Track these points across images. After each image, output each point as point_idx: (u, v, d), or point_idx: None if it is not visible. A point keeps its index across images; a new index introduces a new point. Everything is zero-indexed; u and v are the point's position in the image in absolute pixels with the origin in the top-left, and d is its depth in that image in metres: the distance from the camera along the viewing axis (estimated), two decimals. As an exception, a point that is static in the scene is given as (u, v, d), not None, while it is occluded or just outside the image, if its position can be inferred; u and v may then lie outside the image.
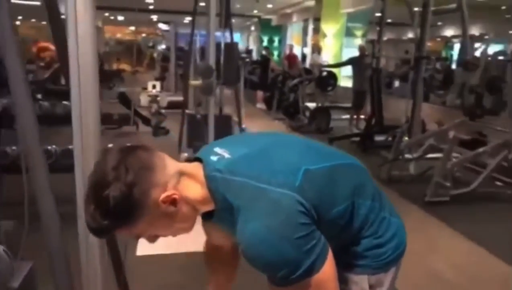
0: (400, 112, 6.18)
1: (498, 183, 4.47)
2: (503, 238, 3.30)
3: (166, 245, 2.82)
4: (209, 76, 3.48)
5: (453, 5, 5.39)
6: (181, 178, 0.93)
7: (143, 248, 2.93)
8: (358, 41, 12.15)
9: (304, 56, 14.83)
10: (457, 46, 18.85)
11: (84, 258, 1.46)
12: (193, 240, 3.00)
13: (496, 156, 4.14)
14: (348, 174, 1.02)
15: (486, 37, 13.14)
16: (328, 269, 0.89)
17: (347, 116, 7.82)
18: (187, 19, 19.65)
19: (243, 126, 4.43)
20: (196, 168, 0.96)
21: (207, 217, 0.99)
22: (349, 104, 7.75)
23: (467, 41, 5.32)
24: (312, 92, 8.52)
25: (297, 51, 16.50)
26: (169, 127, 6.72)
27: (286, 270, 0.86)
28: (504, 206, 4.05)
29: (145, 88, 8.96)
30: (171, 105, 8.06)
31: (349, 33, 12.59)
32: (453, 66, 12.07)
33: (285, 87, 8.75)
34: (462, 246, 3.21)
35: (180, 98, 9.26)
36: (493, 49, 12.16)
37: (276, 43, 19.44)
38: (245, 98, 6.67)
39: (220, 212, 0.95)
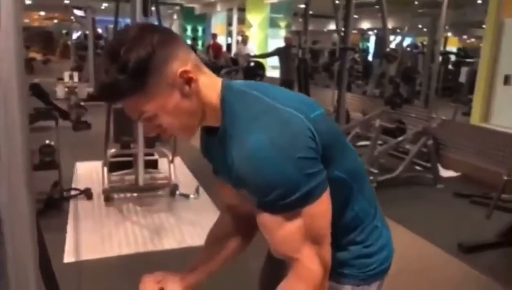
0: (327, 102, 6.37)
1: (418, 168, 4.78)
2: (427, 220, 3.53)
3: (96, 249, 2.66)
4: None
5: (373, -1, 5.65)
6: (199, 71, 0.88)
7: (70, 255, 2.70)
8: (282, 32, 12.33)
9: (229, 46, 14.73)
10: (372, 39, 19.95)
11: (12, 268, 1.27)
12: (121, 242, 2.83)
13: (416, 143, 4.41)
14: (351, 152, 0.98)
15: (401, 30, 14.03)
16: (324, 203, 0.83)
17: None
18: (104, 4, 18.60)
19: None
20: (214, 77, 0.92)
21: (209, 136, 0.95)
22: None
23: (387, 34, 5.59)
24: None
25: (221, 40, 16.37)
26: (90, 121, 6.31)
27: (281, 191, 0.79)
28: (424, 189, 4.34)
29: (61, 79, 8.33)
30: (92, 97, 7.58)
31: (273, 24, 12.72)
32: (369, 57, 12.74)
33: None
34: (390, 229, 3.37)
35: (100, 89, 8.80)
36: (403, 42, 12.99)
37: (200, 33, 19.10)
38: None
39: (223, 131, 0.89)
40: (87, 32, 10.83)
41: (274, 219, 0.83)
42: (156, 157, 4.16)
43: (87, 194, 3.58)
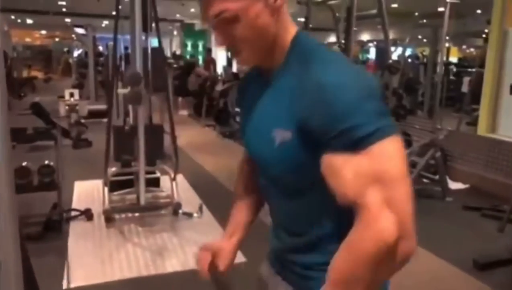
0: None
1: (425, 180, 4.68)
2: (438, 235, 3.41)
3: (101, 273, 2.56)
4: (137, 84, 3.21)
5: (374, 11, 5.60)
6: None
7: (70, 280, 2.60)
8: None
9: (229, 61, 14.74)
10: (372, 50, 20.01)
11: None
12: (123, 266, 2.73)
13: (423, 155, 4.32)
14: None
15: (401, 41, 14.07)
16: (397, 143, 0.75)
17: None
18: (105, 22, 18.74)
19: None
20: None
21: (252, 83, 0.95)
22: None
23: (389, 45, 5.54)
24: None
25: (221, 56, 16.41)
26: (91, 138, 6.25)
27: (353, 122, 0.73)
28: (433, 202, 4.23)
29: (62, 97, 8.29)
30: (92, 114, 7.53)
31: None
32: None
33: (214, 93, 8.59)
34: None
35: (101, 106, 8.75)
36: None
37: (200, 48, 19.16)
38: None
39: (284, 69, 0.86)
40: (88, 50, 10.86)
41: (341, 158, 0.73)
42: (157, 174, 4.07)
43: (87, 214, 3.49)
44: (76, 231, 3.28)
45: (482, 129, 4.81)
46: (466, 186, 4.57)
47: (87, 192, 4.10)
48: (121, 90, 3.52)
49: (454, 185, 4.55)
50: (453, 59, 14.58)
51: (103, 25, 19.03)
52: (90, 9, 14.65)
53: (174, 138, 3.57)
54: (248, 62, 0.90)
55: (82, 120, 6.97)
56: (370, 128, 0.73)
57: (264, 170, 0.93)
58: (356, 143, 0.73)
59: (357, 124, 0.74)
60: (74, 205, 3.73)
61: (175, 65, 9.09)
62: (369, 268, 0.71)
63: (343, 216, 0.78)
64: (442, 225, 3.66)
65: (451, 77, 11.04)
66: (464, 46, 19.93)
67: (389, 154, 0.74)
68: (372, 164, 0.72)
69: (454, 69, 11.89)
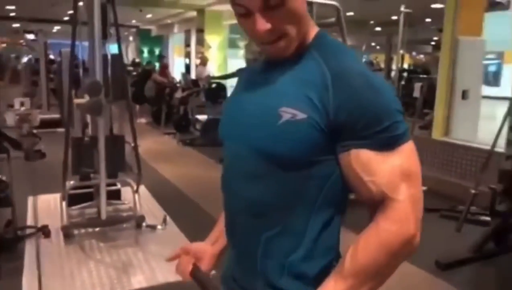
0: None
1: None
2: (422, 247, 3.50)
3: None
4: (97, 93, 3.09)
5: (333, 19, 5.73)
6: None
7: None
8: (242, 53, 12.37)
9: (187, 67, 14.61)
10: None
11: None
12: (85, 285, 2.60)
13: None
14: None
15: (360, 49, 14.49)
16: (414, 145, 0.81)
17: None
18: (56, 28, 18.05)
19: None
20: None
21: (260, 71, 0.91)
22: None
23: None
24: (201, 105, 8.35)
25: (178, 62, 16.24)
26: (45, 150, 5.96)
27: (390, 122, 0.76)
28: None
29: (11, 106, 7.88)
30: (45, 124, 7.22)
31: (232, 44, 12.76)
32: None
33: (173, 100, 8.46)
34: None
35: (54, 115, 8.39)
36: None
37: (157, 54, 18.87)
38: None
39: (312, 53, 0.84)
40: (39, 56, 10.40)
41: (377, 156, 0.77)
42: (118, 186, 3.93)
43: (45, 231, 3.30)
44: (32, 249, 3.10)
45: (436, 133, 5.00)
46: (424, 188, 4.68)
47: (43, 207, 3.89)
48: (79, 100, 3.37)
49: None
50: (404, 65, 15.19)
51: (54, 30, 18.34)
52: (41, 14, 14.08)
53: (136, 149, 3.46)
54: (285, 50, 0.83)
55: (35, 131, 6.65)
56: (404, 126, 0.79)
57: (255, 153, 0.84)
58: (393, 141, 0.77)
59: (397, 121, 0.77)
60: (30, 221, 3.53)
61: (134, 73, 8.87)
62: (390, 263, 0.76)
63: (322, 208, 0.82)
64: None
65: (403, 82, 11.48)
66: (414, 53, 20.82)
67: (415, 155, 0.80)
68: (405, 162, 0.77)
69: (405, 75, 12.39)
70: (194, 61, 13.65)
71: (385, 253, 0.75)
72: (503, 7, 14.02)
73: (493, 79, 18.94)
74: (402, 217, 0.76)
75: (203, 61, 10.30)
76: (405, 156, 0.78)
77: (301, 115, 0.78)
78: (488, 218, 3.51)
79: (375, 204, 0.79)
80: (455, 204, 4.05)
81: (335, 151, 0.80)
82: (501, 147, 3.45)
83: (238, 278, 0.95)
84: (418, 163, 0.80)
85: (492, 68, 19.17)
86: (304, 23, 0.83)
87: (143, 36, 18.61)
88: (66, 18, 15.01)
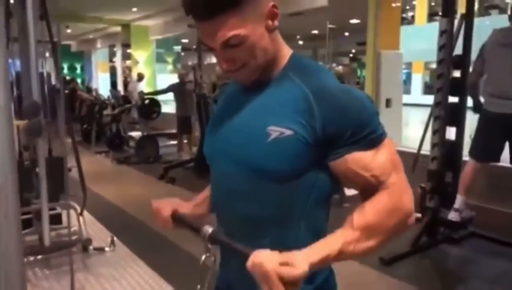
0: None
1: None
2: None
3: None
4: (36, 114, 2.94)
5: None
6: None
7: None
8: (170, 67, 12.28)
9: (113, 84, 14.16)
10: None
11: None
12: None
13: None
14: None
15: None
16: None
17: (174, 142, 7.74)
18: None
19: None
20: None
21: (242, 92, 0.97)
22: (174, 130, 7.70)
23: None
24: (133, 121, 8.17)
25: (103, 78, 15.68)
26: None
27: (374, 124, 0.88)
28: (333, 209, 4.58)
29: None
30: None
31: (160, 59, 12.62)
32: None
33: (103, 118, 8.18)
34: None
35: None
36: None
37: (78, 70, 18.06)
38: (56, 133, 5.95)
39: (288, 74, 0.92)
40: None
41: (368, 154, 0.88)
42: (59, 210, 3.74)
43: (-20, 264, 3.05)
44: (-32, 285, 2.85)
45: (366, 139, 5.39)
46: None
47: (-27, 239, 3.58)
48: (18, 122, 3.18)
49: (349, 192, 5.00)
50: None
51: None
52: None
53: (80, 170, 3.34)
54: (248, 78, 0.93)
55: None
56: (382, 128, 0.91)
57: (245, 171, 0.90)
58: (377, 139, 0.89)
59: (377, 123, 0.90)
60: (-40, 255, 3.23)
61: (66, 91, 8.43)
62: (395, 225, 0.87)
63: (310, 214, 0.92)
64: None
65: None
66: (334, 64, 22.05)
67: (393, 146, 0.94)
68: (389, 154, 0.91)
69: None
70: (121, 77, 13.30)
71: (390, 215, 0.86)
72: (408, 21, 15.37)
73: (404, 87, 20.64)
74: (401, 191, 0.89)
75: (140, 77, 10.14)
76: (389, 149, 0.91)
77: (288, 132, 0.86)
78: (419, 215, 3.86)
79: (373, 190, 0.90)
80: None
81: (321, 159, 0.89)
82: (426, 150, 3.82)
83: (234, 287, 1.00)
84: (397, 154, 0.95)
85: (402, 78, 20.89)
86: (269, 53, 0.91)
87: (63, 52, 17.69)
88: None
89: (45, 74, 3.40)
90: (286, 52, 0.95)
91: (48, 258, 3.24)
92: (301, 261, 0.75)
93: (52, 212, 3.50)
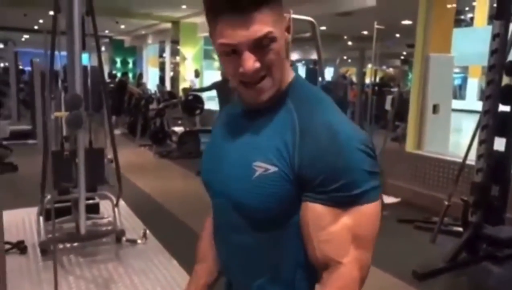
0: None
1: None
2: (377, 248, 3.58)
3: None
4: (77, 106, 3.06)
5: (308, 34, 5.87)
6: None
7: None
8: (217, 64, 12.42)
9: (161, 79, 14.53)
10: (300, 70, 20.82)
11: None
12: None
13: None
14: None
15: (334, 62, 14.79)
16: (378, 208, 0.79)
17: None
18: (25, 36, 17.62)
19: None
20: None
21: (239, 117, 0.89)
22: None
23: (322, 67, 5.80)
24: (177, 117, 8.32)
25: (152, 73, 16.14)
26: (16, 162, 5.80)
27: (349, 179, 0.75)
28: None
29: (-21, 117, 7.64)
30: (14, 135, 7.02)
31: (207, 56, 12.80)
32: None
33: (149, 112, 8.40)
34: None
35: (24, 126, 8.17)
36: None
37: (130, 65, 18.70)
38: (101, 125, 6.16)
39: (286, 102, 0.84)
40: (7, 65, 10.13)
41: (329, 213, 0.77)
42: (97, 200, 3.87)
43: (20, 247, 3.21)
44: (8, 266, 3.01)
45: (410, 146, 5.17)
46: (398, 199, 4.87)
47: (17, 222, 3.78)
48: (59, 113, 3.32)
49: (387, 199, 4.82)
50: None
51: (23, 39, 17.91)
52: (10, 22, 13.74)
53: (117, 163, 3.43)
54: (265, 93, 0.81)
55: (5, 142, 6.46)
56: (366, 186, 0.76)
57: (232, 205, 0.86)
58: (349, 200, 0.76)
59: (357, 180, 0.76)
60: (4, 237, 3.42)
61: (111, 85, 8.77)
62: None
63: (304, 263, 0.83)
64: (380, 238, 3.85)
65: (374, 96, 11.83)
66: (384, 67, 21.45)
67: (372, 218, 0.78)
68: (357, 226, 0.77)
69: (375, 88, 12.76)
70: (169, 73, 13.62)
71: None
72: (467, 23, 14.60)
73: (459, 92, 19.72)
74: (347, 284, 0.77)
75: (197, 73, 10.52)
76: (360, 218, 0.76)
77: (272, 169, 0.79)
78: (460, 229, 3.65)
79: (321, 267, 0.79)
80: (429, 215, 4.19)
81: None
82: (472, 160, 3.60)
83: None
84: (374, 227, 0.79)
85: (457, 82, 19.97)
86: (283, 67, 0.83)
87: (116, 46, 18.41)
88: (36, 27, 14.72)
89: (88, 68, 3.51)
90: (289, 74, 0.86)
91: (83, 246, 3.35)
92: None
93: (89, 202, 3.63)
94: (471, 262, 3.28)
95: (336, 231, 0.77)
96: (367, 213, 0.77)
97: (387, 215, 4.52)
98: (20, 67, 13.49)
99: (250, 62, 0.77)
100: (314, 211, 0.77)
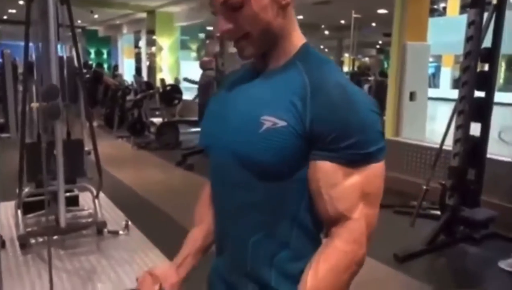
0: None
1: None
2: (380, 242, 3.65)
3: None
4: (54, 97, 2.97)
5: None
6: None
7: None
8: (194, 54, 12.29)
9: (138, 70, 14.30)
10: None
11: None
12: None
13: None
14: None
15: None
16: (383, 167, 0.82)
17: (196, 129, 7.75)
18: (-6, 27, 16.99)
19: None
20: None
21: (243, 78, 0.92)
22: (196, 118, 7.72)
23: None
24: (156, 107, 8.22)
25: (128, 63, 15.86)
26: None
27: (361, 138, 0.78)
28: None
29: None
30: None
31: (184, 46, 12.65)
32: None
33: (126, 103, 8.27)
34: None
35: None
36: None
37: (105, 55, 18.32)
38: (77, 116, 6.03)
39: (296, 63, 0.85)
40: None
41: (341, 170, 0.79)
42: (76, 192, 3.80)
43: (-2, 242, 3.13)
44: (-14, 261, 2.93)
45: (388, 133, 5.25)
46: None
47: (-7, 217, 3.68)
48: (35, 104, 3.24)
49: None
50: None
51: (-8, 30, 17.28)
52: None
53: (96, 153, 3.37)
54: (246, 51, 0.86)
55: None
56: (377, 146, 0.79)
57: (237, 159, 0.86)
58: (360, 158, 0.79)
59: (370, 139, 0.79)
60: (-20, 232, 3.32)
61: (87, 75, 8.57)
62: (347, 279, 0.82)
63: (307, 211, 0.85)
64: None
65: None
66: (359, 56, 21.66)
67: (380, 176, 0.82)
68: (367, 184, 0.80)
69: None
70: (146, 63, 13.41)
71: (343, 272, 0.81)
72: (440, 13, 14.87)
73: (433, 81, 20.13)
74: (356, 238, 0.80)
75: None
76: (369, 176, 0.79)
77: (281, 123, 0.80)
78: (438, 212, 3.75)
79: (331, 222, 0.82)
80: (408, 200, 4.28)
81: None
82: (448, 145, 3.69)
83: (229, 281, 0.96)
84: (381, 186, 0.82)
85: (431, 71, 20.37)
86: (271, 30, 0.84)
87: (90, 36, 17.98)
88: (5, 17, 14.22)
89: (65, 58, 3.41)
90: (299, 40, 0.89)
91: (63, 239, 3.29)
92: None
93: (69, 194, 3.56)
94: (449, 244, 3.38)
95: (348, 188, 0.79)
96: (376, 172, 0.80)
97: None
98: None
99: (221, 23, 0.84)
100: (326, 169, 0.79)
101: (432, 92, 15.10)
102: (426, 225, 3.68)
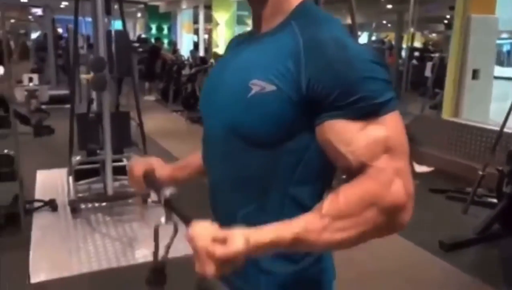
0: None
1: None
2: (416, 221, 3.49)
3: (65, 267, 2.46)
4: (101, 69, 3.08)
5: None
6: None
7: (36, 274, 2.50)
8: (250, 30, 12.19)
9: (196, 45, 14.49)
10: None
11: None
12: (91, 257, 2.65)
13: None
14: None
15: (370, 26, 14.22)
16: (400, 118, 0.75)
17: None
18: (64, 3, 17.92)
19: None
20: None
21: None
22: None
23: (356, 31, 5.55)
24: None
25: (187, 39, 16.11)
26: (54, 126, 6.00)
27: (369, 89, 0.71)
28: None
29: (20, 82, 7.91)
30: (53, 100, 7.23)
31: (240, 21, 12.59)
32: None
33: (181, 77, 8.43)
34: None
35: (63, 91, 8.41)
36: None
37: (165, 31, 18.71)
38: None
39: (291, 24, 0.80)
40: (47, 32, 10.37)
41: (352, 125, 0.71)
42: (125, 162, 3.95)
43: (52, 205, 3.35)
44: (40, 222, 3.15)
45: (446, 113, 4.94)
46: (432, 168, 4.70)
47: (51, 182, 3.94)
48: (84, 76, 3.37)
49: (420, 168, 4.66)
50: (416, 44, 14.93)
51: (62, 5, 18.21)
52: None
53: (141, 125, 3.47)
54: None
55: (43, 107, 6.68)
56: (387, 95, 0.72)
57: (226, 126, 0.81)
58: (371, 110, 0.71)
59: (377, 90, 0.71)
60: (37, 195, 3.57)
61: (140, 49, 8.82)
62: (371, 217, 0.69)
63: (300, 184, 0.80)
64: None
65: (413, 62, 11.31)
66: (426, 32, 20.41)
67: (396, 126, 0.73)
68: (384, 132, 0.71)
69: (416, 54, 12.19)
70: (202, 38, 13.54)
71: (372, 204, 0.68)
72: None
73: (506, 59, 18.58)
74: (385, 181, 0.69)
75: None
76: (387, 127, 0.71)
77: (270, 88, 0.75)
78: (494, 200, 3.48)
79: (356, 173, 0.72)
80: (463, 185, 4.02)
81: (311, 124, 0.75)
82: (510, 128, 3.39)
83: None
84: (404, 136, 0.73)
85: (505, 48, 18.77)
86: None
87: (151, 12, 18.39)
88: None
89: (113, 32, 3.50)
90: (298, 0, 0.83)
91: (110, 206, 3.45)
92: (238, 239, 0.65)
93: (117, 164, 3.71)
94: (503, 234, 3.14)
95: (366, 140, 0.71)
96: (393, 121, 0.72)
97: (419, 184, 4.38)
98: (60, 31, 13.81)
99: None
100: (337, 128, 0.72)
101: (507, 71, 13.95)
102: (480, 213, 3.45)
